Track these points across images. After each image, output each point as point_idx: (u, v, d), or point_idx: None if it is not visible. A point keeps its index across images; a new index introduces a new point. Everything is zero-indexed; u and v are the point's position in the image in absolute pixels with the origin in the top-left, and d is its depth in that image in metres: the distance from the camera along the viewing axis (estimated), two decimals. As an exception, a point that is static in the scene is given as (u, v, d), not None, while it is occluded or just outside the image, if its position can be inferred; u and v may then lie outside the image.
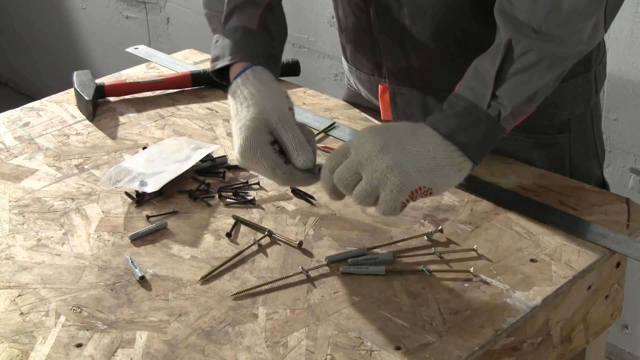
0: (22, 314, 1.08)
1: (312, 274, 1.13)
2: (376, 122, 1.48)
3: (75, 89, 1.59)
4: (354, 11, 1.36)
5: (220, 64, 1.25)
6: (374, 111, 1.48)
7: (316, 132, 1.46)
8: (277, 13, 1.31)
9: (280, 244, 1.20)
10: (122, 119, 1.55)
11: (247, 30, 1.26)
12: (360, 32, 1.38)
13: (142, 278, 1.13)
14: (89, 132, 1.51)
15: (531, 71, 1.10)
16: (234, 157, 1.40)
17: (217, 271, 1.15)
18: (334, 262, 1.15)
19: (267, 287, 1.11)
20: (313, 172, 1.14)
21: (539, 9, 1.10)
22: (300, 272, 1.13)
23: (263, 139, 1.14)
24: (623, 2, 1.16)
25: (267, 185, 1.33)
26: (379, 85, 1.41)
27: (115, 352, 1.02)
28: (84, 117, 1.56)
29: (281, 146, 1.14)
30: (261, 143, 1.13)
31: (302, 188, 1.30)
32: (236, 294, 1.10)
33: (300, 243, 1.19)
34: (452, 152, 1.08)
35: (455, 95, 1.12)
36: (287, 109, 1.16)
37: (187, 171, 1.35)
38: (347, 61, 1.47)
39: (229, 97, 1.22)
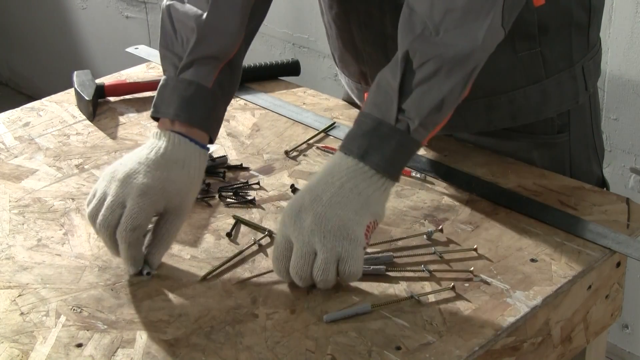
0: (22, 314, 1.08)
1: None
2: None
3: (75, 89, 1.59)
4: (335, 21, 1.35)
5: (162, 115, 1.19)
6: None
7: (316, 132, 1.46)
8: (235, 71, 1.25)
9: (280, 244, 1.20)
10: (122, 119, 1.55)
11: (200, 87, 1.19)
12: (343, 42, 1.37)
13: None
14: (89, 132, 1.51)
15: (433, 80, 1.08)
16: (233, 157, 1.40)
17: (218, 271, 1.15)
18: None
19: (266, 278, 1.11)
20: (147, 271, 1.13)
21: (436, 11, 1.08)
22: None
23: (159, 201, 1.12)
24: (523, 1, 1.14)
25: (267, 185, 1.33)
26: (365, 93, 1.40)
27: (115, 352, 1.02)
28: (84, 117, 1.56)
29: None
30: (155, 202, 1.12)
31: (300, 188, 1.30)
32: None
33: (301, 243, 1.19)
34: (371, 176, 1.07)
35: (362, 114, 1.11)
36: (189, 206, 1.16)
37: (187, 171, 1.35)
38: (337, 67, 1.47)
39: (156, 134, 1.17)
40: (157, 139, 1.16)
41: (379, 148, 1.07)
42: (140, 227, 1.10)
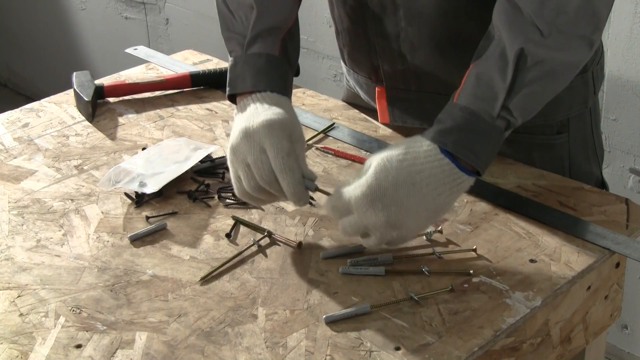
0: (21, 314, 1.08)
1: (312, 274, 1.13)
2: (376, 122, 1.48)
3: (74, 90, 1.59)
4: (349, 14, 1.36)
5: (240, 90, 1.22)
6: (373, 112, 1.48)
7: (315, 132, 1.46)
8: (295, 38, 1.30)
9: (279, 245, 1.20)
10: (121, 119, 1.55)
11: (270, 57, 1.24)
12: (356, 35, 1.38)
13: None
14: (88, 133, 1.51)
15: (544, 81, 1.09)
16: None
17: (217, 272, 1.15)
18: (327, 258, 1.16)
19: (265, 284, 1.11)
20: (309, 187, 1.13)
21: (547, 12, 1.08)
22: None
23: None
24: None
25: (266, 186, 1.33)
26: (376, 88, 1.40)
27: (114, 353, 1.02)
28: (83, 118, 1.56)
29: None
30: (280, 129, 1.12)
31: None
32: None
33: (300, 244, 1.19)
34: (459, 183, 1.08)
35: (456, 106, 1.10)
36: (301, 134, 1.17)
37: (186, 172, 1.35)
38: (345, 64, 1.47)
39: (242, 104, 1.20)
40: (242, 110, 1.19)
41: (476, 145, 1.07)
42: (290, 152, 1.11)
